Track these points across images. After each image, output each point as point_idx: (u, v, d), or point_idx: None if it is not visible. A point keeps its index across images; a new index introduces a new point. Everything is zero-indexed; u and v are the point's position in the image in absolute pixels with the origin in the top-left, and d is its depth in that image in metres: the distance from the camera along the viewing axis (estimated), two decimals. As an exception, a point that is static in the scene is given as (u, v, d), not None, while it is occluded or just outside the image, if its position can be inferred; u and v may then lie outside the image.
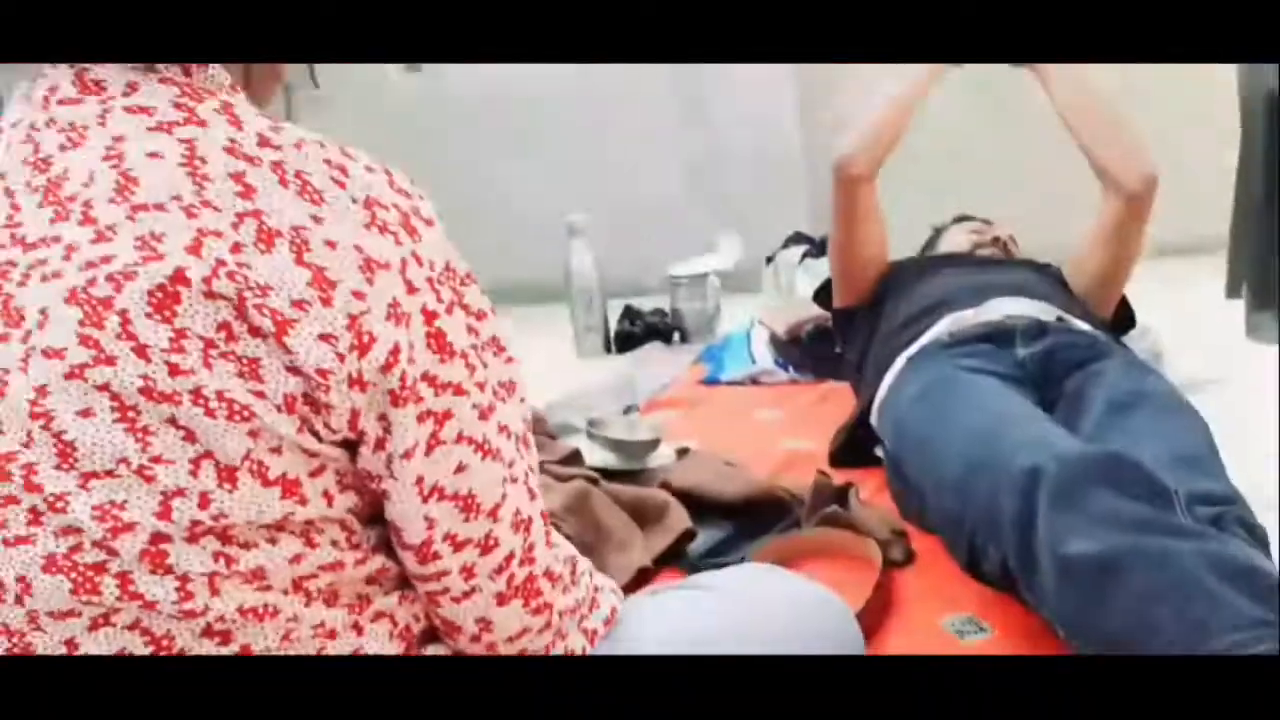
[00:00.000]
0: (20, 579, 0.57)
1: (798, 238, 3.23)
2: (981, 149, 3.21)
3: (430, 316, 0.61)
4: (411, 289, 0.60)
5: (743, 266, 3.12)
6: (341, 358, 0.58)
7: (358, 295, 0.58)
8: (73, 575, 0.57)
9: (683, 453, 1.72)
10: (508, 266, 3.95)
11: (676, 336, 2.84)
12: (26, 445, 0.57)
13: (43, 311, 0.57)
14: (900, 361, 1.62)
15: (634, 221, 3.78)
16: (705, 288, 2.84)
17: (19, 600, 0.57)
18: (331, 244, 0.58)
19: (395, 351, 0.60)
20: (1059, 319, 1.62)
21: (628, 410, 2.19)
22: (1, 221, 0.60)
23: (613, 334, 2.87)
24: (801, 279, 3.05)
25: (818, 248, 3.07)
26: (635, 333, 2.83)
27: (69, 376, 0.56)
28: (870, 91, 1.91)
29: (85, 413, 0.56)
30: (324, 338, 0.58)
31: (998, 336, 1.55)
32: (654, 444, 1.67)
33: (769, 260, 3.22)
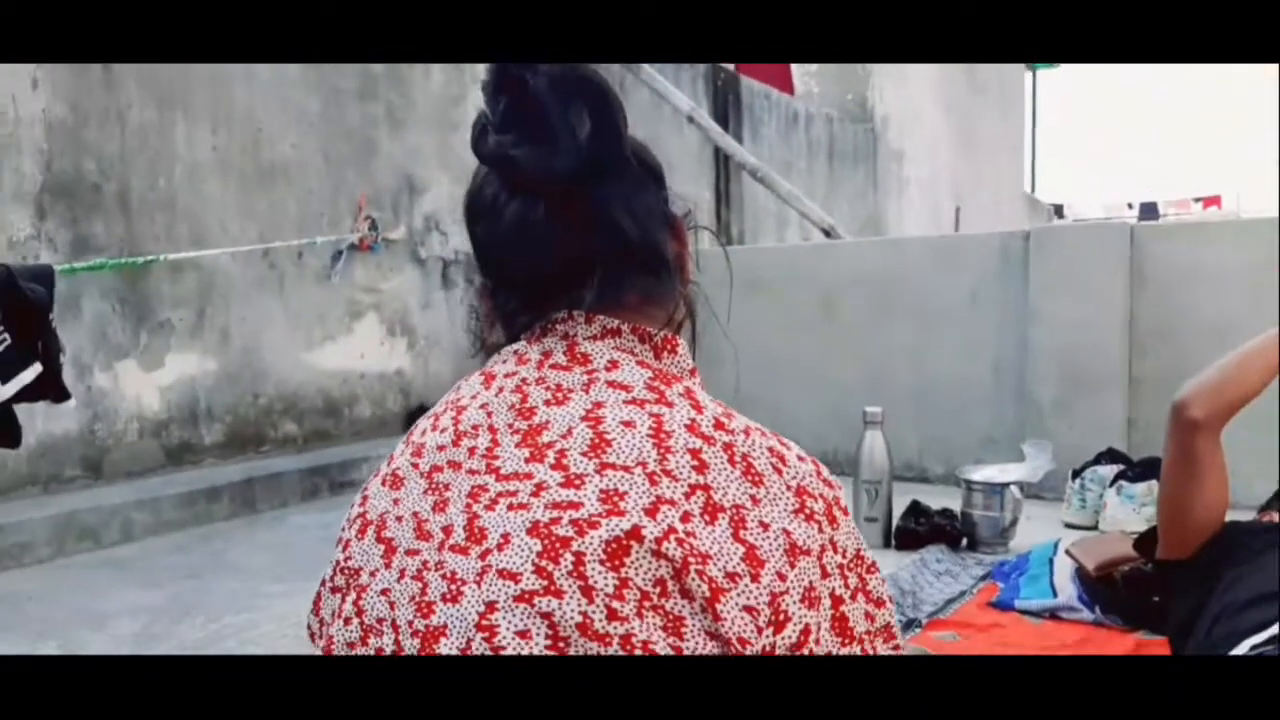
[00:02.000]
0: None
1: (1111, 455, 3.02)
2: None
3: (837, 601, 0.65)
4: (825, 574, 0.65)
5: (1047, 475, 2.94)
6: (760, 630, 0.61)
7: (781, 576, 0.62)
8: None
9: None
10: (797, 435, 3.97)
11: (964, 542, 2.69)
12: (464, 651, 0.63)
13: (504, 536, 0.64)
14: (1244, 648, 1.44)
15: (930, 406, 3.69)
16: (1004, 497, 2.68)
17: None
18: (765, 525, 0.63)
19: (805, 632, 0.63)
20: None
21: (910, 624, 2.08)
22: (482, 451, 0.69)
23: (894, 528, 2.77)
24: (1113, 501, 2.83)
25: (1135, 471, 2.84)
26: (919, 532, 2.71)
27: (518, 599, 0.62)
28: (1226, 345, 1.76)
29: (524, 634, 0.61)
30: (748, 609, 0.61)
31: (1370, 642, 1.34)
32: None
33: (1076, 474, 3.02)
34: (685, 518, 0.62)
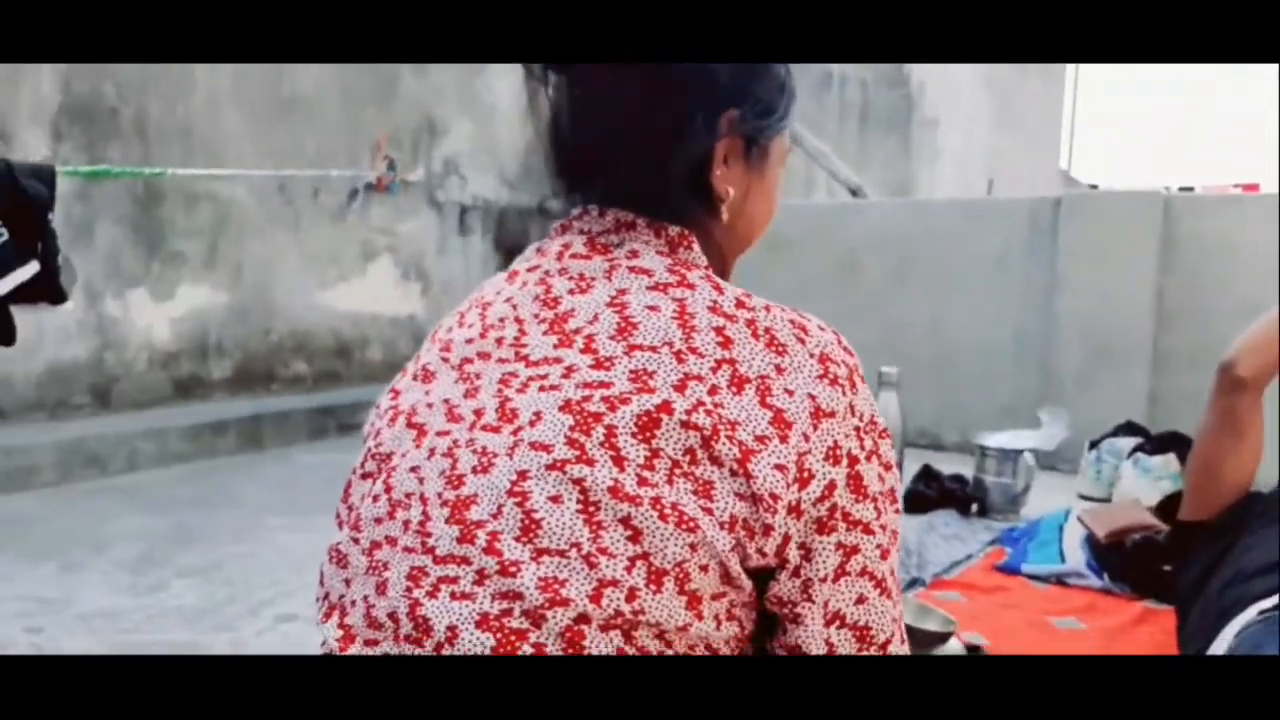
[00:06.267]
0: (450, 628, 0.64)
1: (1129, 428, 2.95)
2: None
3: (854, 460, 0.68)
4: (845, 435, 0.68)
5: (1063, 445, 2.87)
6: (789, 486, 0.65)
7: (806, 437, 0.66)
8: (498, 635, 0.63)
9: (973, 651, 1.56)
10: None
11: (974, 508, 2.64)
12: (495, 516, 0.65)
13: (536, 414, 0.67)
14: (1251, 612, 1.39)
15: (949, 373, 3.62)
16: (1018, 464, 2.62)
17: (439, 646, 0.64)
18: (790, 392, 0.67)
19: (831, 487, 0.67)
20: None
21: (914, 583, 2.04)
22: (510, 341, 0.72)
23: (905, 490, 2.72)
24: (1129, 473, 2.77)
25: (1152, 444, 2.78)
26: (929, 495, 2.66)
27: (550, 468, 0.65)
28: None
29: (555, 499, 0.64)
30: (778, 468, 0.65)
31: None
32: (945, 638, 1.51)
33: (1093, 445, 2.95)
34: (713, 390, 0.65)
